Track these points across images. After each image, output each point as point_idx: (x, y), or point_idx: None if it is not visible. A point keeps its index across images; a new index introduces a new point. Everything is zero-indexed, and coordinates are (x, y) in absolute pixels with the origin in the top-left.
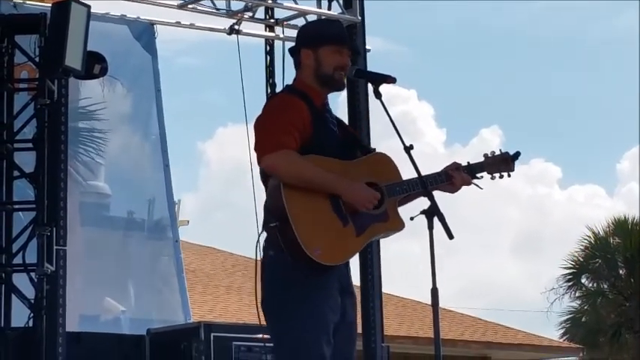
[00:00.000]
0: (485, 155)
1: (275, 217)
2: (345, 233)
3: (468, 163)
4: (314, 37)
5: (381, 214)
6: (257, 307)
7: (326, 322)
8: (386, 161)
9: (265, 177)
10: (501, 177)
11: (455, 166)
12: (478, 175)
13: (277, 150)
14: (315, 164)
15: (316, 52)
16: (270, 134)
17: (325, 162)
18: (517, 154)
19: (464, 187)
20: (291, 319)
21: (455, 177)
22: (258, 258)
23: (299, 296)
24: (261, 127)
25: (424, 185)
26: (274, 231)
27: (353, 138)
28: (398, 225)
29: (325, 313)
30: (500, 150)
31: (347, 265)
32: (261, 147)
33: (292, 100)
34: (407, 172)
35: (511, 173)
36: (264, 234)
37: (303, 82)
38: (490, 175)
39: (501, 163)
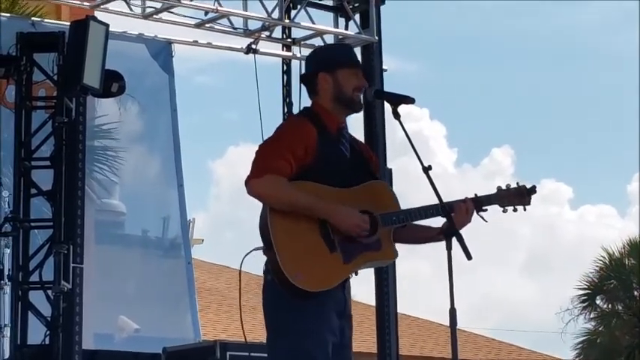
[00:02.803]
0: (499, 188)
1: (263, 242)
2: (330, 260)
3: (476, 195)
4: (330, 61)
5: (374, 243)
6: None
7: (326, 342)
8: (383, 190)
9: None
10: (515, 210)
11: (461, 200)
12: (485, 207)
13: (263, 175)
14: (303, 190)
15: (334, 75)
16: (260, 159)
17: (318, 189)
18: (533, 188)
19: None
20: (291, 341)
21: (457, 211)
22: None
23: (297, 319)
24: (258, 150)
25: (443, 208)
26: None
27: (364, 164)
28: (390, 255)
29: (324, 333)
30: (517, 183)
31: (343, 289)
32: (250, 171)
33: (299, 123)
34: (425, 192)
35: (527, 207)
36: (264, 258)
37: (321, 107)
38: (502, 208)
39: (516, 197)
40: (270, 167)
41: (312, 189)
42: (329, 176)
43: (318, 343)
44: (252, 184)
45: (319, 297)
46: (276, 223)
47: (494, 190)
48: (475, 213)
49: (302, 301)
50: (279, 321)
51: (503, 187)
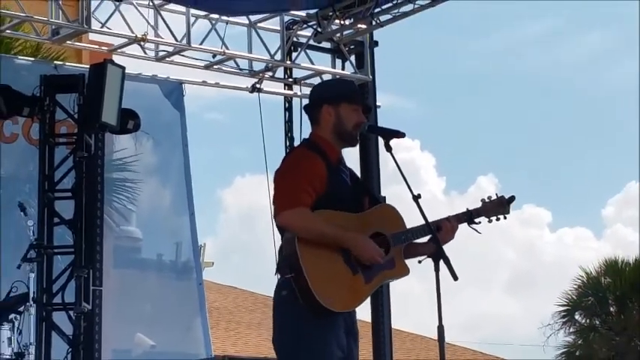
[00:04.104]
0: (483, 200)
1: (290, 268)
2: (354, 281)
3: (467, 209)
4: (335, 95)
5: (388, 262)
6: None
7: (335, 357)
8: (392, 212)
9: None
10: (497, 219)
11: (446, 218)
12: (477, 220)
13: (292, 207)
14: (326, 220)
15: (337, 109)
16: (287, 192)
17: (337, 217)
18: (512, 198)
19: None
20: (302, 355)
21: (443, 227)
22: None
23: (310, 335)
24: (280, 183)
25: (431, 231)
26: (289, 279)
27: (363, 188)
28: (404, 271)
29: (333, 351)
30: (496, 194)
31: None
32: (279, 204)
33: (310, 157)
34: (414, 218)
35: (507, 215)
36: (278, 275)
37: (321, 137)
38: (487, 219)
39: (498, 207)
40: (298, 201)
41: (332, 217)
42: (337, 204)
43: (329, 357)
44: (284, 217)
45: (333, 315)
46: (304, 251)
47: (480, 204)
48: (467, 225)
49: (320, 319)
50: (296, 332)
51: (487, 200)
